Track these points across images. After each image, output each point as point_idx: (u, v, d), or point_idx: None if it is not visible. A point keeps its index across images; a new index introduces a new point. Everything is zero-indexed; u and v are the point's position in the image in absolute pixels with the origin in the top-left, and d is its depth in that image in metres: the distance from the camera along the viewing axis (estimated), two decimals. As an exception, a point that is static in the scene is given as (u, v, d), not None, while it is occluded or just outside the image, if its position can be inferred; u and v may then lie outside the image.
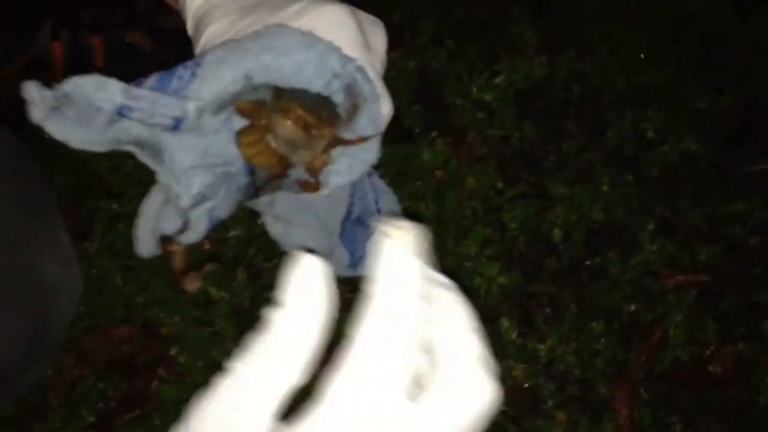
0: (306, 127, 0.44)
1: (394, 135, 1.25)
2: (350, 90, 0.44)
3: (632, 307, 1.21)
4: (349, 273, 0.53)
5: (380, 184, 0.59)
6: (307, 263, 0.31)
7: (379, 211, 0.57)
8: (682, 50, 1.31)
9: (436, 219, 1.23)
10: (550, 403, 1.18)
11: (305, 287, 0.30)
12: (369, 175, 0.57)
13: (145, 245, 0.50)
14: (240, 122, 0.46)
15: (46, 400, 1.18)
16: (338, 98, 0.45)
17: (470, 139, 1.26)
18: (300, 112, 0.44)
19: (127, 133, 0.45)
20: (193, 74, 0.44)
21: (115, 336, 1.20)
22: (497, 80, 1.27)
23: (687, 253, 1.22)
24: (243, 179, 0.49)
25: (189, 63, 0.45)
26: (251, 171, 0.48)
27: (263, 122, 0.44)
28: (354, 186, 0.55)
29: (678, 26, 1.34)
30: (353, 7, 0.51)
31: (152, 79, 0.45)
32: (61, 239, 0.82)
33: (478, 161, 1.26)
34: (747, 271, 1.22)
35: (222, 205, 0.50)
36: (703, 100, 1.27)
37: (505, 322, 1.20)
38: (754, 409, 1.18)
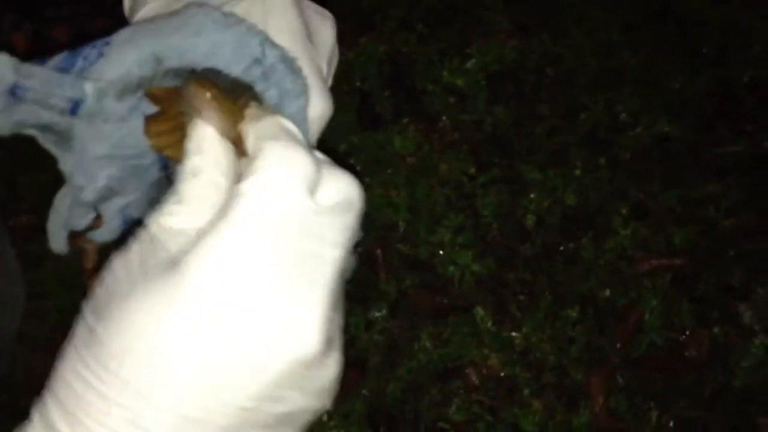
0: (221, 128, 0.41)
1: (365, 122, 1.24)
2: (270, 80, 0.41)
3: (607, 293, 1.20)
4: None
5: None
6: (200, 124, 0.37)
7: None
8: (657, 33, 1.30)
9: (408, 206, 1.21)
10: (526, 391, 1.18)
11: (204, 139, 0.37)
12: None
13: (57, 241, 0.48)
14: (152, 110, 0.43)
15: (17, 400, 1.16)
16: (262, 87, 0.42)
17: (442, 124, 1.25)
18: (214, 90, 0.40)
19: (33, 116, 0.42)
20: (101, 54, 0.41)
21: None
22: (469, 64, 1.25)
23: (661, 236, 1.21)
24: (156, 173, 0.46)
25: (98, 42, 0.42)
26: (165, 165, 0.45)
27: (177, 110, 0.41)
28: None
29: (653, 9, 1.32)
30: (301, 1, 0.48)
31: (58, 58, 0.42)
32: (5, 253, 0.80)
33: (450, 147, 1.24)
34: (722, 254, 1.21)
35: (135, 203, 0.47)
36: (677, 82, 1.26)
37: (479, 311, 1.20)
38: (730, 392, 1.18)
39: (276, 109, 0.41)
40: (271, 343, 0.33)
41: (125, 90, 0.41)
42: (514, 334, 1.19)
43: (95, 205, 0.46)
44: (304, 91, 0.42)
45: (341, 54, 1.30)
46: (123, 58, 0.41)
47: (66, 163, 0.44)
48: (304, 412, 0.36)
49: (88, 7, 1.22)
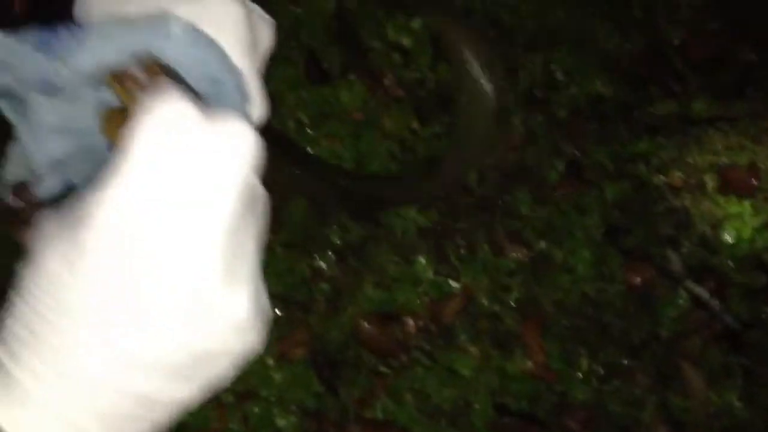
0: None
1: (313, 76, 1.27)
2: (220, 101, 0.44)
3: (542, 244, 1.25)
4: None
5: None
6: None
7: None
8: (590, -6, 1.35)
9: (353, 158, 1.25)
10: (462, 337, 1.22)
11: None
12: None
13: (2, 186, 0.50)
14: (110, 98, 0.44)
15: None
16: (212, 103, 0.44)
17: (387, 81, 1.28)
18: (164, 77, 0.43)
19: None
20: (78, 40, 0.43)
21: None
22: (413, 23, 1.29)
23: (595, 191, 1.26)
24: (106, 155, 0.45)
25: (74, 27, 0.44)
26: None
27: (134, 105, 0.42)
28: None
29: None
30: (245, 3, 0.50)
31: (35, 35, 0.43)
32: None
33: (395, 102, 1.28)
34: (651, 209, 1.27)
35: (78, 175, 0.48)
36: (611, 43, 1.31)
37: (421, 260, 1.23)
38: (657, 340, 1.24)
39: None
40: (169, 279, 0.35)
41: (96, 79, 0.43)
42: (453, 283, 1.24)
43: (40, 173, 0.48)
44: (249, 116, 0.45)
45: (289, 11, 1.34)
46: (101, 50, 0.42)
47: (23, 133, 0.46)
48: (224, 353, 0.37)
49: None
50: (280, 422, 1.18)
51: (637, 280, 1.26)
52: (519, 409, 1.20)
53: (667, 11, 1.32)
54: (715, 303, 1.25)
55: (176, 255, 0.35)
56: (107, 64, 0.43)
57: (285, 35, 1.27)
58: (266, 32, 0.50)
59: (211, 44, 0.44)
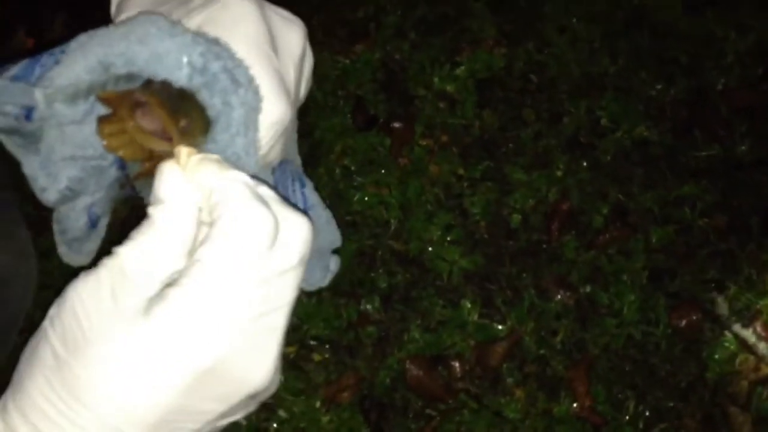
0: (163, 131, 0.42)
1: (360, 124, 1.30)
2: (213, 90, 0.43)
3: (588, 288, 1.26)
4: None
5: (314, 198, 0.55)
6: (169, 168, 0.38)
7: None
8: (634, 42, 1.37)
9: (400, 205, 1.27)
10: (509, 380, 1.23)
11: (174, 186, 0.38)
12: (303, 185, 0.54)
13: (65, 253, 0.50)
14: (105, 113, 0.44)
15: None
16: (205, 96, 0.43)
17: (433, 128, 1.31)
18: (159, 111, 0.41)
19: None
20: (56, 61, 0.43)
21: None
22: (458, 71, 1.32)
23: (640, 235, 1.27)
24: (115, 173, 0.48)
25: (56, 49, 0.43)
26: (122, 164, 0.47)
27: (125, 112, 0.42)
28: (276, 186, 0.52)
29: (630, 20, 1.39)
30: (265, 3, 0.49)
31: (18, 66, 0.43)
32: (18, 234, 0.86)
33: (441, 149, 1.30)
34: (696, 252, 1.27)
35: (98, 202, 0.49)
36: (654, 89, 1.33)
37: (466, 304, 1.25)
38: (703, 383, 1.24)
39: (228, 160, 0.42)
40: (227, 391, 0.38)
41: (76, 95, 0.43)
42: (499, 326, 1.25)
43: (58, 206, 0.48)
44: (248, 101, 0.43)
45: (337, 62, 1.39)
46: (73, 66, 0.42)
47: (29, 167, 0.46)
48: (240, 413, 0.40)
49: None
50: (329, 464, 1.20)
51: (683, 323, 1.26)
52: (566, 453, 1.21)
53: (713, 58, 1.33)
54: (762, 346, 1.24)
55: (235, 376, 0.37)
56: (81, 79, 0.42)
57: (332, 85, 1.30)
58: (293, 33, 0.49)
59: (191, 35, 0.42)
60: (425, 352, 1.24)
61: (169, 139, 0.41)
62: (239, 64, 0.43)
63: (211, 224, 0.37)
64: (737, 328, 1.25)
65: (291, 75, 0.48)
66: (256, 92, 0.44)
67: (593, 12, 1.38)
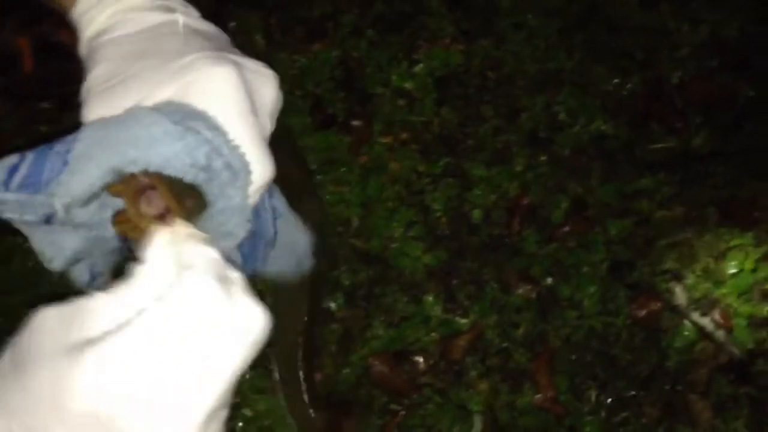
0: (167, 211, 0.46)
1: (319, 123, 1.31)
2: (213, 181, 0.47)
3: (549, 281, 1.27)
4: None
5: (281, 207, 0.61)
6: (159, 238, 0.43)
7: (275, 235, 0.59)
8: (589, 37, 1.38)
9: (361, 203, 1.28)
10: (473, 374, 1.24)
11: (159, 252, 0.42)
12: (270, 195, 0.59)
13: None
14: (114, 201, 0.48)
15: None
16: (206, 185, 0.47)
17: (392, 125, 1.32)
18: (167, 195, 0.45)
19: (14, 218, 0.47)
20: (65, 162, 0.46)
21: None
22: (416, 68, 1.33)
23: (599, 227, 1.29)
24: (116, 243, 0.51)
25: (60, 147, 0.46)
26: (124, 237, 0.49)
27: (130, 199, 0.46)
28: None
29: (585, 15, 1.40)
30: (239, 62, 0.50)
31: (24, 167, 0.46)
32: None
33: (401, 146, 1.31)
34: (654, 243, 1.29)
35: (99, 263, 0.52)
36: (610, 84, 1.34)
37: (429, 299, 1.26)
38: (663, 372, 1.26)
39: (220, 233, 0.48)
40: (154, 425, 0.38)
41: (92, 198, 0.46)
42: (462, 320, 1.26)
43: (65, 269, 0.51)
44: (242, 187, 0.47)
45: (295, 61, 1.39)
46: (86, 174, 0.45)
47: (37, 241, 0.49)
48: None
49: (51, 15, 1.26)
50: (294, 461, 1.21)
51: (643, 313, 1.28)
52: (528, 444, 1.22)
53: (668, 51, 1.35)
54: (720, 334, 1.26)
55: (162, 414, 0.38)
56: (94, 186, 0.45)
57: (290, 84, 1.31)
58: (268, 87, 0.50)
59: (194, 135, 0.45)
60: (389, 347, 1.25)
61: (168, 221, 0.45)
62: (234, 149, 0.47)
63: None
64: (696, 316, 1.27)
65: (268, 127, 0.50)
66: (248, 173, 0.47)
67: (549, 8, 1.39)
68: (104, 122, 0.47)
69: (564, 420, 1.24)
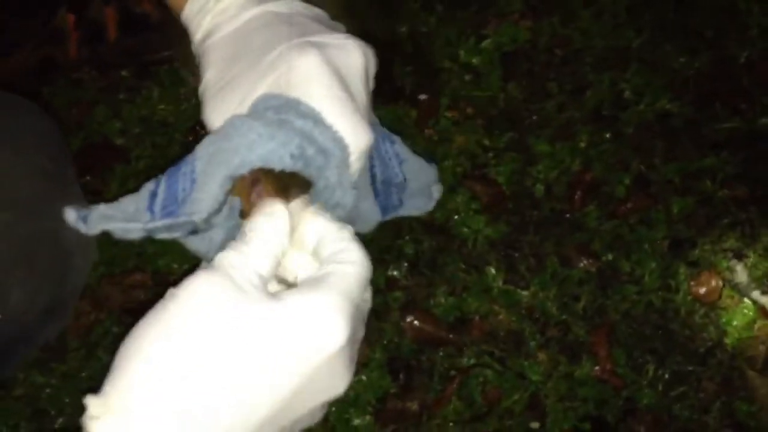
0: (272, 197, 0.52)
1: (387, 95, 1.34)
2: (310, 166, 0.53)
3: (610, 257, 1.29)
4: (379, 221, 0.65)
5: (404, 152, 0.67)
6: (280, 211, 0.49)
7: (405, 179, 0.66)
8: (659, 15, 1.39)
9: (426, 174, 1.31)
10: (532, 344, 1.27)
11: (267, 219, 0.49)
12: (392, 142, 0.66)
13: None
14: (238, 200, 0.55)
15: (65, 343, 1.26)
16: (304, 172, 0.53)
17: (458, 100, 1.34)
18: (270, 188, 0.52)
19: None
20: (193, 182, 0.54)
21: (129, 283, 1.29)
22: (484, 44, 1.35)
23: (661, 205, 1.30)
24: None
25: (186, 169, 0.54)
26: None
27: (245, 192, 0.54)
28: (372, 157, 0.62)
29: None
30: (321, 42, 0.53)
31: (161, 192, 0.55)
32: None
33: (466, 120, 1.34)
34: (716, 222, 1.30)
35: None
36: (677, 62, 1.35)
37: (491, 270, 1.29)
38: (722, 348, 1.27)
39: (329, 205, 0.54)
40: (330, 385, 0.45)
41: (221, 205, 0.54)
42: (523, 292, 1.29)
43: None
44: (340, 165, 0.53)
45: (363, 31, 1.42)
46: (209, 191, 0.53)
47: (190, 244, 0.58)
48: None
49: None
50: (357, 421, 1.24)
51: (703, 290, 1.29)
52: (587, 413, 1.24)
53: (737, 31, 1.35)
54: (780, 313, 1.27)
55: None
56: (219, 198, 0.53)
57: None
58: (354, 56, 0.53)
59: (285, 131, 0.52)
60: (451, 315, 1.27)
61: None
62: (325, 132, 0.52)
63: (324, 259, 0.48)
64: (756, 295, 1.28)
65: (362, 94, 0.54)
66: (343, 150, 0.53)
67: (618, -15, 1.41)
68: (212, 138, 0.54)
69: (621, 392, 1.25)
